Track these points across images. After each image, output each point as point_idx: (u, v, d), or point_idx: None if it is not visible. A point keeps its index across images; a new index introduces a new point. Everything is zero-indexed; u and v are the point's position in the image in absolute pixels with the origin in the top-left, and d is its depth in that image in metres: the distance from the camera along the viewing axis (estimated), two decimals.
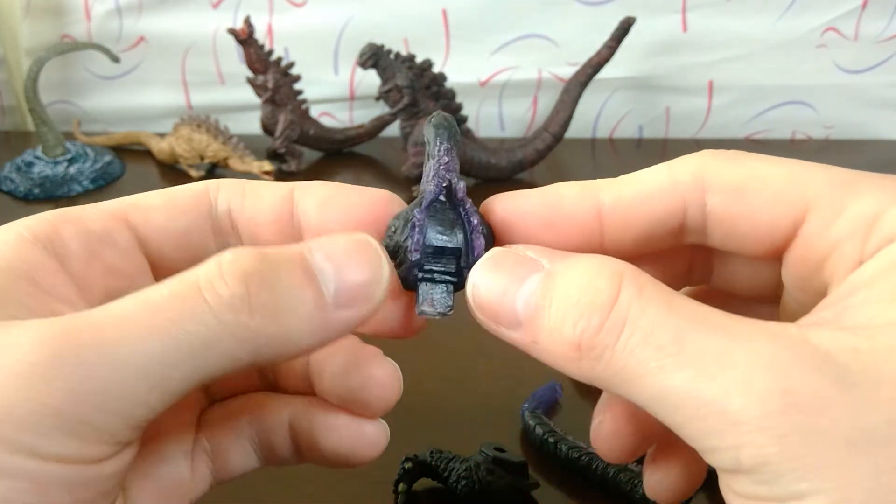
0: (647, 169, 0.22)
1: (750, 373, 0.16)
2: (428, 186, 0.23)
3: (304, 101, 0.71)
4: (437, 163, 0.23)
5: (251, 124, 0.75)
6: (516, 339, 0.21)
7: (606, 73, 0.68)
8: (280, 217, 0.24)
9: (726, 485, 0.17)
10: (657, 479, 0.25)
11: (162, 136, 0.72)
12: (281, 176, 0.69)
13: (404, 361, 0.48)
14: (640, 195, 0.22)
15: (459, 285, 0.23)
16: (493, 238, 0.23)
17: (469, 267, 0.22)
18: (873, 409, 0.15)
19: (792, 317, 0.21)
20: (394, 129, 0.72)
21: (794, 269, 0.21)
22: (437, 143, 0.23)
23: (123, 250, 0.23)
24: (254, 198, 0.24)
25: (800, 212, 0.20)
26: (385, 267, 0.20)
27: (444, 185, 0.23)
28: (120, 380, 0.17)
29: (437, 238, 0.22)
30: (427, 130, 0.24)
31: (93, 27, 0.77)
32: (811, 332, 0.17)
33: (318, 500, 0.36)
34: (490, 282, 0.21)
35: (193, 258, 0.21)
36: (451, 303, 0.23)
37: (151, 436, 0.22)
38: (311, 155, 0.74)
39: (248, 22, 0.67)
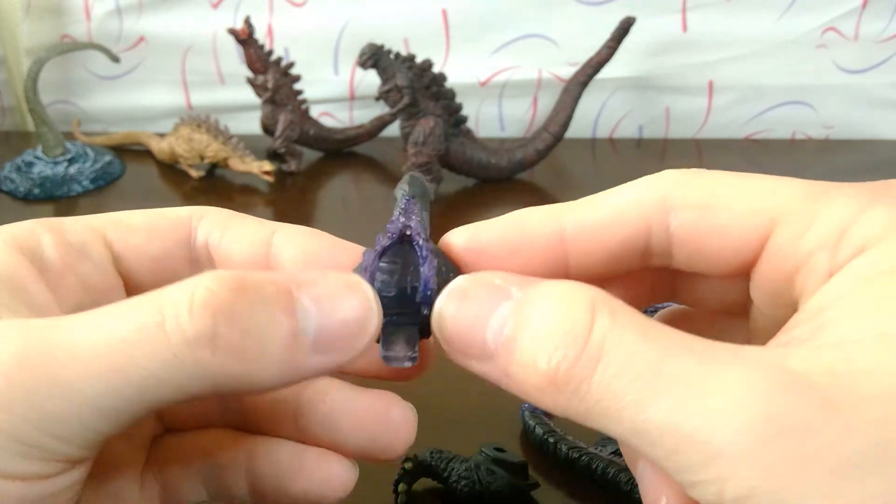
0: (610, 190, 0.22)
1: (729, 403, 0.16)
2: (383, 236, 0.23)
3: (304, 101, 0.71)
4: (396, 215, 0.23)
5: (251, 124, 0.75)
6: (487, 371, 0.20)
7: (606, 73, 0.68)
8: (256, 258, 0.23)
9: None
10: None
11: (162, 136, 0.72)
12: (281, 176, 0.69)
13: None
14: (604, 219, 0.21)
15: (425, 329, 0.21)
16: (460, 273, 0.22)
17: (428, 306, 0.21)
18: (857, 433, 0.15)
19: (763, 332, 0.21)
20: (394, 129, 0.72)
21: (762, 284, 0.21)
22: (401, 197, 0.23)
23: (98, 265, 0.23)
24: (234, 234, 0.24)
25: (767, 226, 0.20)
26: (374, 318, 0.19)
27: (398, 233, 0.22)
28: (70, 410, 0.17)
29: (388, 284, 0.21)
30: (396, 189, 0.24)
31: (93, 27, 0.77)
32: (788, 354, 0.16)
33: None
34: (457, 312, 0.20)
35: (166, 282, 0.20)
36: (415, 348, 0.22)
37: (103, 455, 0.21)
38: (311, 155, 0.74)
39: (248, 22, 0.67)
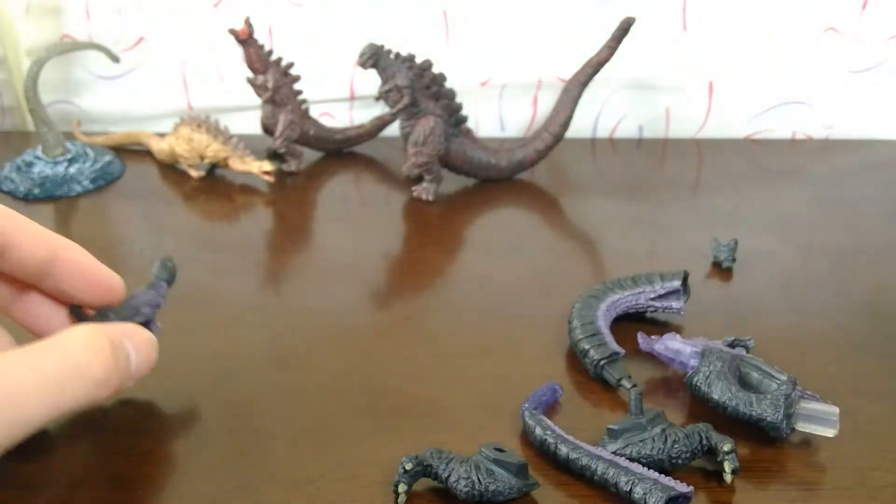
0: None
1: None
2: (144, 309, 0.40)
3: (304, 101, 0.71)
4: (151, 294, 0.41)
5: (251, 124, 0.75)
6: None
7: (606, 73, 0.68)
8: (42, 269, 0.37)
9: None
10: None
11: (162, 136, 0.72)
12: (281, 176, 0.69)
13: (405, 362, 0.48)
14: None
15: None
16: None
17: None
18: None
19: None
20: (394, 129, 0.72)
21: None
22: (154, 277, 0.42)
23: None
24: (22, 244, 0.35)
25: None
26: (156, 352, 0.36)
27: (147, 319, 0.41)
28: (15, 435, 0.27)
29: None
30: (154, 267, 0.42)
31: (93, 27, 0.77)
32: None
33: (319, 500, 0.36)
34: None
35: None
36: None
37: None
38: (311, 155, 0.74)
39: (248, 22, 0.67)
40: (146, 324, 0.40)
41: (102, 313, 0.39)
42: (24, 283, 0.37)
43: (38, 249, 0.35)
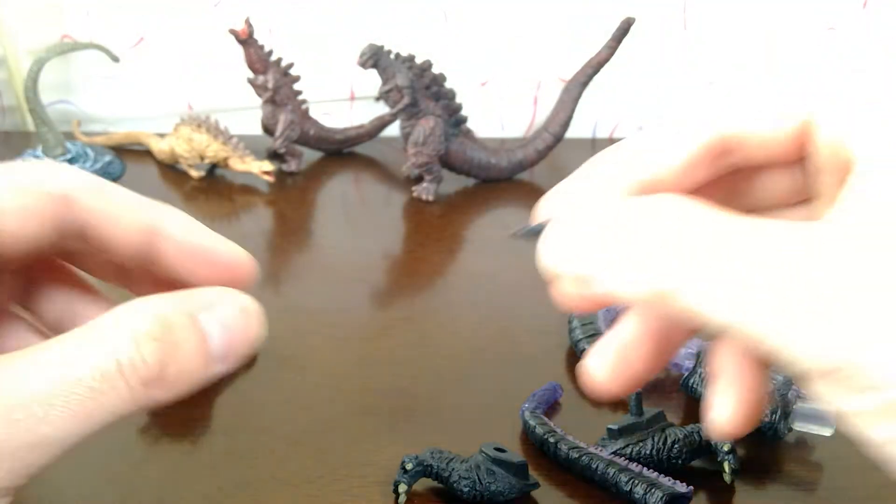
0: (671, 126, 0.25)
1: (802, 306, 0.17)
2: None
3: (304, 101, 0.71)
4: None
5: (251, 124, 0.75)
6: (586, 294, 0.22)
7: (606, 73, 0.68)
8: (140, 248, 0.25)
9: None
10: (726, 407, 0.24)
11: (162, 136, 0.72)
12: (281, 176, 0.69)
13: (405, 362, 0.48)
14: (672, 169, 0.24)
15: None
16: None
17: None
18: None
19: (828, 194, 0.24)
20: (394, 129, 0.72)
21: (823, 148, 0.23)
22: None
23: None
24: (114, 216, 0.25)
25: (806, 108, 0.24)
26: (260, 333, 0.24)
27: None
28: (43, 457, 0.20)
29: None
30: None
31: (93, 27, 0.77)
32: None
33: (319, 500, 0.36)
34: (557, 240, 0.22)
35: (29, 255, 0.24)
36: None
37: None
38: (311, 155, 0.74)
39: (248, 22, 0.67)
40: None
41: None
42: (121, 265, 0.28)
43: (134, 227, 0.26)
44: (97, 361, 0.21)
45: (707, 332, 0.18)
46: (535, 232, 0.23)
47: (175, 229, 0.26)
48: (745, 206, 0.26)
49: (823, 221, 0.18)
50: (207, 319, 0.23)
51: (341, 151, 0.75)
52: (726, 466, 0.36)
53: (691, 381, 0.40)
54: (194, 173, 0.69)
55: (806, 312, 0.17)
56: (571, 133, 0.70)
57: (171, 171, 0.71)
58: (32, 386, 0.20)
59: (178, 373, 0.22)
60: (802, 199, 0.25)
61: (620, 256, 0.20)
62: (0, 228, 0.24)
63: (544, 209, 0.24)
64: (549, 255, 0.22)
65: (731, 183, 0.26)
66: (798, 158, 0.24)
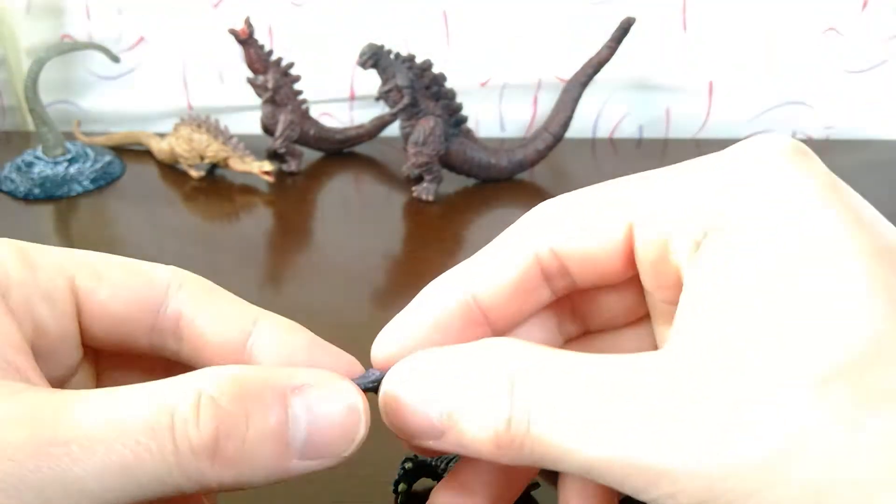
0: (493, 244, 0.24)
1: (661, 427, 0.17)
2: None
3: (304, 101, 0.71)
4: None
5: (251, 124, 0.75)
6: (443, 447, 0.20)
7: (606, 73, 0.68)
8: (232, 348, 0.23)
9: None
10: None
11: (162, 136, 0.72)
12: (281, 176, 0.69)
13: None
14: (489, 269, 0.23)
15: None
16: None
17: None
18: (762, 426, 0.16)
19: (665, 318, 0.23)
20: (394, 129, 0.72)
21: (646, 273, 0.22)
22: None
23: (57, 315, 0.22)
24: (212, 314, 0.23)
25: (625, 228, 0.21)
26: (363, 428, 0.20)
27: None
28: (57, 494, 0.17)
29: None
30: None
31: (93, 27, 0.77)
32: (685, 361, 0.18)
33: (319, 500, 0.36)
34: (399, 405, 0.21)
35: (121, 343, 0.22)
36: None
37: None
38: (311, 155, 0.74)
39: (248, 22, 0.67)
40: None
41: None
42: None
43: (230, 332, 0.23)
44: (150, 414, 0.18)
45: (562, 468, 0.18)
46: (374, 381, 0.22)
47: (272, 336, 0.23)
48: (592, 326, 0.25)
49: (647, 358, 0.18)
50: (297, 403, 0.19)
51: (341, 151, 0.75)
52: None
53: None
54: (194, 173, 0.69)
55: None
56: (571, 133, 0.70)
57: (171, 171, 0.71)
58: (77, 424, 0.18)
59: (239, 452, 0.18)
60: (640, 317, 0.24)
61: (469, 397, 0.19)
62: (110, 312, 0.23)
63: (379, 351, 0.23)
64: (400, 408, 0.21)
65: (576, 303, 0.25)
66: (634, 274, 0.23)
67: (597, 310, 0.25)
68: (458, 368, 0.20)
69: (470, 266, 0.23)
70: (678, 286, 0.20)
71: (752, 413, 0.16)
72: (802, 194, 0.19)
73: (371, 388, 0.22)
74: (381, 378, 0.22)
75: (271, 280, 0.56)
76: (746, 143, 0.21)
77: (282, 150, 0.70)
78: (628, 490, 0.18)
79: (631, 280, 0.23)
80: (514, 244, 0.23)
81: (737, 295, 0.18)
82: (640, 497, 0.18)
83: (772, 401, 0.16)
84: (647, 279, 0.22)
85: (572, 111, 0.68)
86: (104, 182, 0.69)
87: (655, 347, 0.24)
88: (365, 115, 0.77)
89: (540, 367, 0.19)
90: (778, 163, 0.19)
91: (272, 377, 0.20)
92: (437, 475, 0.36)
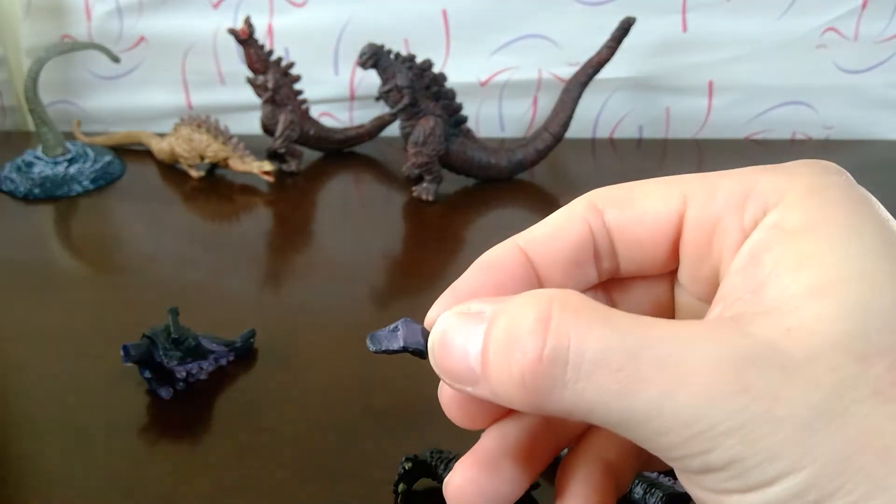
0: (552, 217, 0.24)
1: (707, 380, 0.17)
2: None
3: (304, 101, 0.71)
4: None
5: (251, 124, 0.75)
6: (481, 394, 0.20)
7: (606, 73, 0.68)
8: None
9: (693, 482, 0.18)
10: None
11: (162, 136, 0.72)
12: (281, 176, 0.69)
13: (406, 362, 0.48)
14: (549, 230, 0.23)
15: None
16: None
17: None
18: (815, 387, 0.16)
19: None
20: (394, 129, 0.72)
21: (687, 258, 0.22)
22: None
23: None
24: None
25: (680, 203, 0.21)
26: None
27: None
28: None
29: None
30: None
31: (93, 27, 0.77)
32: (746, 322, 0.18)
33: (318, 500, 0.36)
34: (444, 346, 0.21)
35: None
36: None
37: None
38: (311, 155, 0.74)
39: (248, 22, 0.67)
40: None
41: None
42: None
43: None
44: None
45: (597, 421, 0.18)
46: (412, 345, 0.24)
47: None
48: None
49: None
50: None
51: (341, 151, 0.75)
52: None
53: None
54: (194, 173, 0.69)
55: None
56: (571, 133, 0.70)
57: (171, 171, 0.71)
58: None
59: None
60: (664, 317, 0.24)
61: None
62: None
63: (439, 303, 0.24)
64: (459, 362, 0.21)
65: (609, 292, 0.25)
66: (670, 271, 0.23)
67: (625, 302, 0.25)
68: (499, 309, 0.20)
69: (531, 233, 0.23)
70: (713, 281, 0.21)
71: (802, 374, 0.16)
72: (867, 203, 0.20)
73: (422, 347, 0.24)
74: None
75: (271, 280, 0.56)
76: (804, 160, 0.21)
77: (282, 150, 0.70)
78: (654, 444, 0.17)
79: (665, 277, 0.23)
80: (573, 217, 0.23)
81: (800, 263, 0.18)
82: (662, 452, 0.17)
83: (821, 368, 0.16)
84: (684, 269, 0.22)
85: (572, 111, 0.68)
86: (104, 182, 0.69)
87: None
88: (365, 115, 0.77)
89: (588, 306, 0.18)
90: (838, 178, 0.20)
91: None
92: (436, 475, 0.36)
